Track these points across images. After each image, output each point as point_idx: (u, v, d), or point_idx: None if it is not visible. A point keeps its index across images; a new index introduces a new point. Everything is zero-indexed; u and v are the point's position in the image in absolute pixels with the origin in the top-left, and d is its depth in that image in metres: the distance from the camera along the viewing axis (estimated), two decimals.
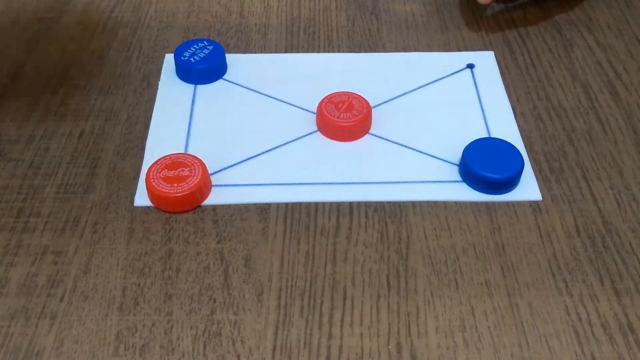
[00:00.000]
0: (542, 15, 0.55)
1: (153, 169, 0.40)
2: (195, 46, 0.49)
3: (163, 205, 0.40)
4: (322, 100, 0.44)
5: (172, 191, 0.39)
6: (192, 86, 0.48)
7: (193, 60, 0.48)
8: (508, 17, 0.55)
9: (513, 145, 0.42)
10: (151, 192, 0.40)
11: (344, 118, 0.43)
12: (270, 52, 0.51)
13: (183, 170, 0.40)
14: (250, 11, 0.55)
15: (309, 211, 0.40)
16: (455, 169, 0.42)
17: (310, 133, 0.45)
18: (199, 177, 0.40)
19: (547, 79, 0.49)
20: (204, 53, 0.48)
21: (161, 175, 0.40)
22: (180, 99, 0.47)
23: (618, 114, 0.46)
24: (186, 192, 0.39)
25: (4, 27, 0.53)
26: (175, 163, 0.40)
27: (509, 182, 0.41)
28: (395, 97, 0.47)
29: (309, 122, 0.45)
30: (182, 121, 0.46)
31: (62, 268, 0.37)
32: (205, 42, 0.49)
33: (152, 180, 0.40)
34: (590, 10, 0.55)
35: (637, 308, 0.36)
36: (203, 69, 0.48)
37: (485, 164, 0.41)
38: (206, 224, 0.39)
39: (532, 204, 0.41)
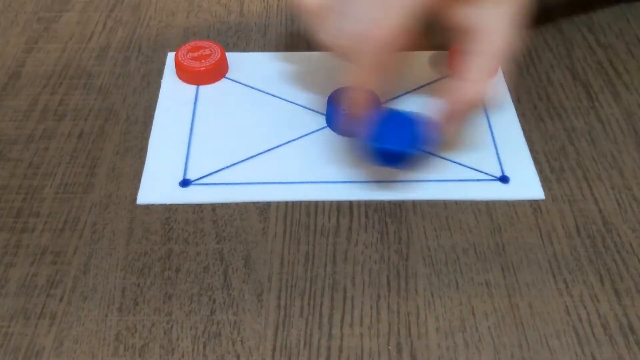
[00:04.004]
0: (542, 15, 0.55)
1: (179, 53, 0.48)
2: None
3: (193, 79, 0.48)
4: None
5: (200, 66, 0.47)
6: (194, 85, 0.48)
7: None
8: None
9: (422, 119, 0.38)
10: (184, 70, 0.48)
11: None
12: (271, 51, 0.51)
13: (204, 50, 0.48)
14: (250, 11, 0.55)
15: (309, 211, 0.40)
16: (456, 167, 0.42)
17: (312, 132, 0.45)
18: (219, 54, 0.48)
19: (547, 79, 0.49)
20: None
21: (188, 57, 0.48)
22: (182, 98, 0.47)
23: (619, 114, 0.46)
24: (210, 65, 0.48)
25: (3, 27, 0.53)
26: (194, 47, 0.49)
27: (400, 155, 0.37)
28: (397, 97, 0.47)
29: (311, 120, 0.45)
30: (184, 119, 0.46)
31: (61, 268, 0.37)
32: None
33: (182, 61, 0.48)
34: (591, 10, 0.55)
35: (638, 308, 0.36)
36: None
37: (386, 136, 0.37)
38: (206, 224, 0.39)
39: (533, 204, 0.41)
